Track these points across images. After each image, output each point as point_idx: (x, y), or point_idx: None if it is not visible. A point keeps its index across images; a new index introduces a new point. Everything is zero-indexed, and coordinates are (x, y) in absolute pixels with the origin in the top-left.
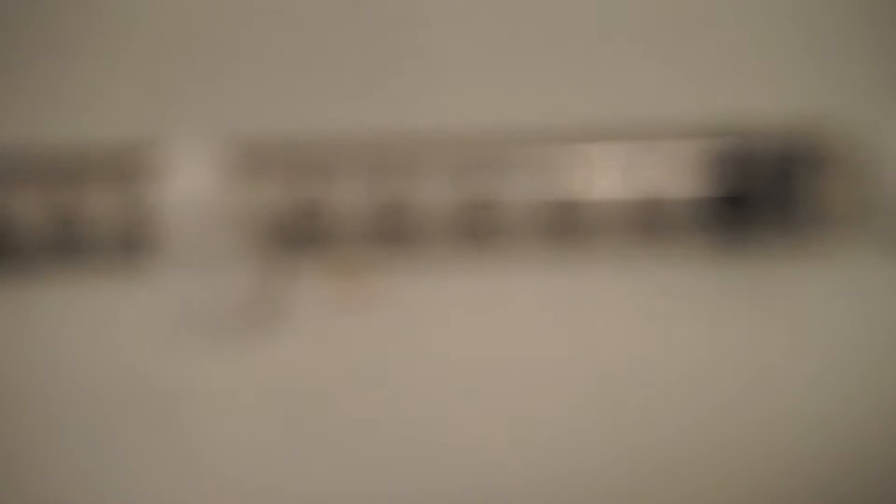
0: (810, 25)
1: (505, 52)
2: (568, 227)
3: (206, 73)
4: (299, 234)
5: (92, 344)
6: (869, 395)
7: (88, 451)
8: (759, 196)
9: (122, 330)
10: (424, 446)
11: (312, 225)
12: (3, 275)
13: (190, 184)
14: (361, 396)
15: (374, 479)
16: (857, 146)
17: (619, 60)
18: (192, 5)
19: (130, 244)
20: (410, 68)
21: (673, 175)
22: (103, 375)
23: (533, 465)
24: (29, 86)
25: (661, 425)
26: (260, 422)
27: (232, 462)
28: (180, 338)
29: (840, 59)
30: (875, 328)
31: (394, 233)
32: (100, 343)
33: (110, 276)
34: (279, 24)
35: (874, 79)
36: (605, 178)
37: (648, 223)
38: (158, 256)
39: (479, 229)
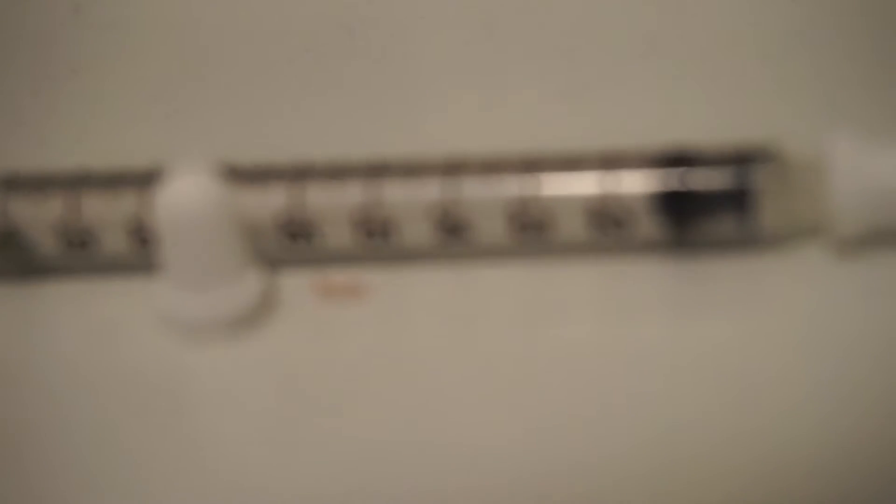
0: (768, 48)
1: (478, 80)
2: (534, 223)
3: (206, 97)
4: (289, 235)
5: (98, 340)
6: (821, 387)
7: (95, 441)
8: (710, 195)
9: (127, 326)
10: (416, 432)
11: (301, 226)
12: (17, 276)
13: (186, 191)
14: (351, 385)
15: (367, 465)
16: (809, 156)
17: (581, 88)
18: (193, 35)
19: (135, 248)
20: (400, 94)
21: (631, 175)
22: (108, 370)
23: (512, 455)
24: (39, 109)
25: (625, 416)
26: (254, 411)
27: (228, 449)
28: (179, 335)
29: (794, 79)
30: (826, 324)
31: (377, 230)
32: (106, 339)
33: (117, 277)
34: (277, 50)
35: (822, 95)
36: (571, 180)
37: (609, 219)
38: (160, 258)
39: (455, 226)
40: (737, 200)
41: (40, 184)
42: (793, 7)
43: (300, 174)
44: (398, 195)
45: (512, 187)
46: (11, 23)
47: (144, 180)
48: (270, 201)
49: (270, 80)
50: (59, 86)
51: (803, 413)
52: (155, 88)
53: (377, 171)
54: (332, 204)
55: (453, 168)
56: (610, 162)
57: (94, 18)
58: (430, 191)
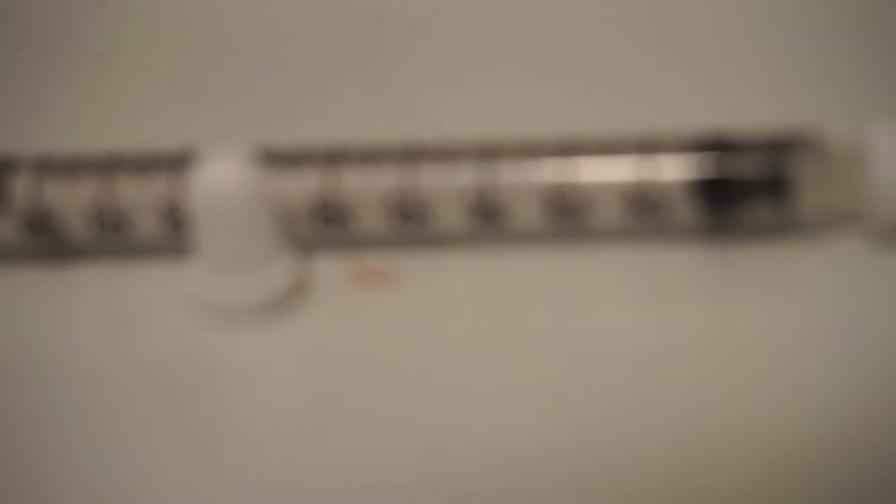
0: (809, 36)
1: (511, 65)
2: (570, 209)
3: (239, 82)
4: (323, 220)
5: (130, 323)
6: (857, 378)
7: (126, 423)
8: (749, 182)
9: (159, 310)
10: (447, 416)
11: (335, 210)
12: (50, 259)
13: (221, 174)
14: (383, 370)
15: (398, 448)
16: (847, 144)
17: (616, 73)
18: (225, 21)
19: (167, 232)
20: (435, 79)
21: (669, 160)
22: (139, 353)
23: (544, 439)
24: (70, 96)
25: (659, 404)
26: (286, 394)
27: (260, 431)
28: (211, 318)
29: (834, 66)
30: (864, 313)
31: (411, 215)
32: (138, 322)
33: (149, 261)
34: (308, 37)
35: (863, 84)
36: (608, 165)
37: (645, 205)
38: (193, 242)
39: (490, 211)
40: (775, 188)
41: (72, 167)
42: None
43: (335, 158)
44: (433, 180)
45: (548, 172)
46: (42, 13)
47: (176, 164)
48: (305, 185)
49: (302, 66)
50: (89, 72)
51: (838, 403)
52: (184, 75)
53: (412, 155)
54: (367, 188)
55: (489, 153)
56: (647, 147)
57: (120, 6)
58: (465, 175)
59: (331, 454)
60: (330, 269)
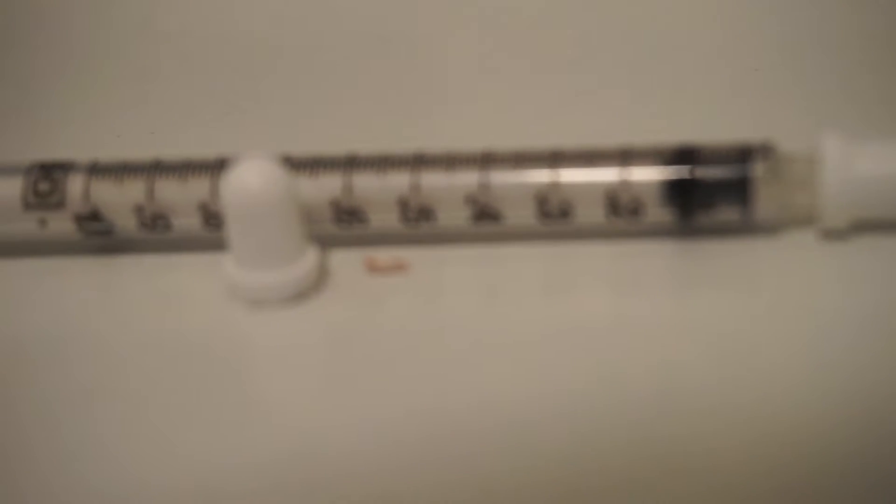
0: (767, 59)
1: (505, 85)
2: (557, 210)
3: (264, 98)
4: (340, 218)
5: (169, 307)
6: (808, 359)
7: (160, 398)
8: (713, 185)
9: (194, 296)
10: (448, 390)
11: (350, 209)
12: (100, 251)
13: (253, 174)
14: (392, 342)
15: (406, 420)
16: (800, 153)
17: (600, 91)
18: (250, 44)
19: (205, 228)
20: (428, 98)
21: (644, 168)
22: (179, 336)
23: (532, 410)
24: (116, 109)
25: (633, 377)
26: (309, 365)
27: (283, 406)
28: (242, 304)
29: (789, 85)
30: (813, 300)
31: (418, 215)
32: (175, 307)
33: (188, 253)
34: (325, 59)
35: (816, 100)
36: (591, 172)
37: (624, 206)
38: (227, 237)
39: (487, 211)
40: (736, 191)
41: (120, 171)
42: (790, 21)
43: (350, 164)
44: (437, 183)
45: (538, 177)
46: (90, 34)
47: (212, 168)
48: (324, 188)
49: (318, 84)
50: (133, 87)
51: (792, 380)
52: (216, 91)
53: (418, 162)
54: (379, 190)
55: (486, 160)
56: (625, 156)
57: (161, 28)
58: (465, 179)
59: (347, 421)
60: (346, 262)
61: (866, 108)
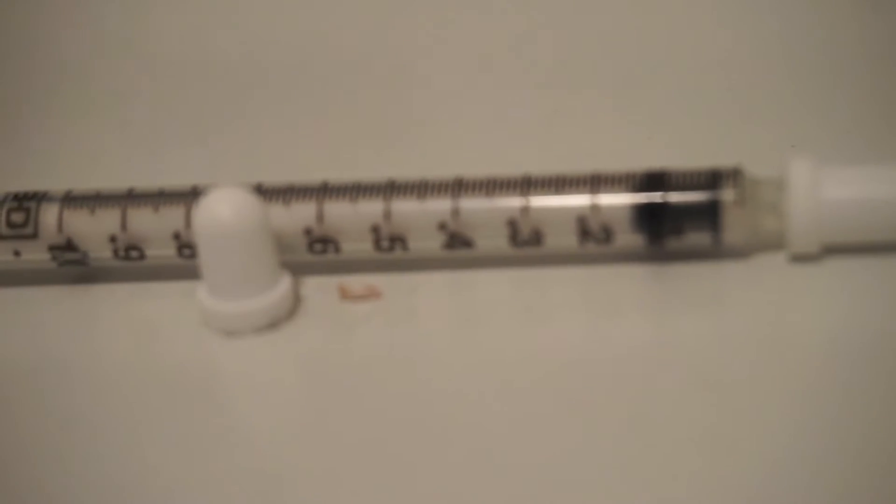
0: (736, 87)
1: (479, 114)
2: (529, 236)
3: (236, 127)
4: (312, 246)
5: (143, 336)
6: (778, 377)
7: (136, 426)
8: (684, 210)
9: (168, 324)
10: (419, 399)
11: (323, 236)
12: (75, 278)
13: (225, 203)
14: (365, 367)
15: (374, 428)
16: (768, 178)
17: (572, 121)
18: (225, 71)
19: (177, 257)
20: (401, 127)
21: (614, 194)
22: (152, 364)
23: (508, 437)
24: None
25: (606, 398)
26: (282, 391)
27: (257, 434)
28: (215, 332)
29: (758, 112)
30: (782, 321)
31: (389, 239)
32: (149, 335)
33: (161, 279)
34: (299, 87)
35: (784, 126)
36: (563, 198)
37: (595, 231)
38: (200, 265)
39: (459, 237)
40: (706, 216)
41: (93, 200)
42: (760, 46)
43: (322, 192)
44: (410, 210)
45: (510, 203)
46: (62, 65)
47: (186, 197)
48: (297, 216)
49: (291, 113)
50: (105, 115)
51: (762, 395)
52: (189, 120)
53: (390, 189)
54: (352, 218)
55: (458, 187)
56: (596, 182)
57: (134, 59)
58: (437, 206)
59: (319, 442)
60: (319, 287)
61: (836, 132)
